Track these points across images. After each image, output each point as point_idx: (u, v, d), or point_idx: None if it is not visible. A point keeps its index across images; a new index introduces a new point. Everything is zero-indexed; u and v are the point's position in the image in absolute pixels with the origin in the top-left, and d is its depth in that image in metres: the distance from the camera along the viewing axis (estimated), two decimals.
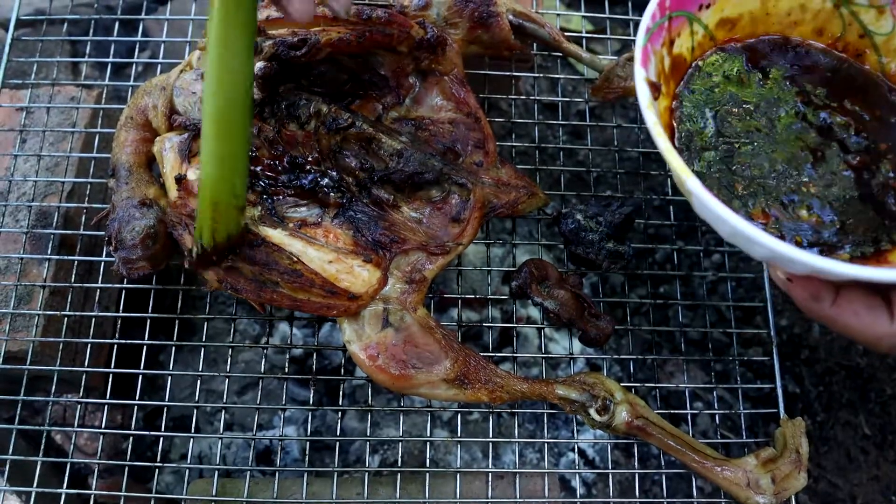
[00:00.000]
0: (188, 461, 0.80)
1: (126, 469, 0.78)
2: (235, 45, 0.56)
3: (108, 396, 0.80)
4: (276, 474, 0.78)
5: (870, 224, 0.61)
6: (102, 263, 0.85)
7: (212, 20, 0.55)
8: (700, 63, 0.68)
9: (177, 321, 0.82)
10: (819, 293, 0.56)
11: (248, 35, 0.57)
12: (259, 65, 0.71)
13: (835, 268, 0.50)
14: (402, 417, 0.80)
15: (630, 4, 0.99)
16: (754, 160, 0.64)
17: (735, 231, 0.52)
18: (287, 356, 0.82)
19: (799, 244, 0.59)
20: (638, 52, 0.60)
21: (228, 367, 0.81)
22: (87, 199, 0.87)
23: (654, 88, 0.60)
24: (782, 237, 0.60)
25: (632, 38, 0.96)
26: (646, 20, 0.61)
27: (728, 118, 0.66)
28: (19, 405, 0.80)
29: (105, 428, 0.79)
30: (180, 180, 0.71)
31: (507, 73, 0.93)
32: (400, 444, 0.82)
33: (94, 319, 0.83)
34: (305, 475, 0.79)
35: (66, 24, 0.97)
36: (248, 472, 0.79)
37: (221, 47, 0.56)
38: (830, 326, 0.58)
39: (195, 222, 0.65)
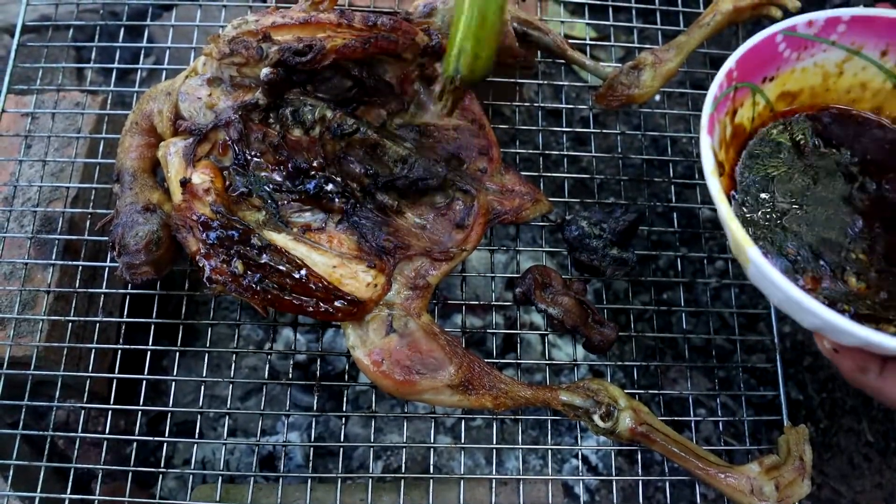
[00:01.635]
0: (192, 467, 0.80)
1: (129, 474, 0.78)
2: None
3: (111, 402, 0.80)
4: (280, 480, 0.77)
5: None
6: (107, 269, 0.85)
7: None
8: (763, 130, 0.69)
9: (181, 326, 0.82)
10: (866, 365, 0.56)
11: None
12: (264, 71, 0.71)
13: (886, 342, 0.51)
14: (405, 423, 0.80)
15: (633, 12, 1.00)
16: (807, 227, 0.65)
17: (789, 299, 0.53)
18: (291, 362, 0.82)
19: (846, 313, 0.60)
20: (705, 120, 0.60)
21: (232, 372, 0.81)
22: (91, 204, 0.88)
23: (716, 156, 0.61)
24: (831, 305, 0.60)
25: (635, 45, 0.97)
26: (713, 90, 0.62)
27: (785, 185, 0.67)
28: (23, 410, 0.80)
29: (109, 433, 0.79)
30: (185, 184, 0.71)
31: (511, 80, 0.93)
32: (403, 450, 0.82)
33: (98, 325, 0.83)
34: (309, 481, 0.79)
35: (71, 30, 0.98)
36: (252, 478, 0.79)
37: None
38: (876, 397, 0.58)
39: (444, 56, 0.68)
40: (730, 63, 0.63)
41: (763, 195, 0.66)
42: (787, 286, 0.53)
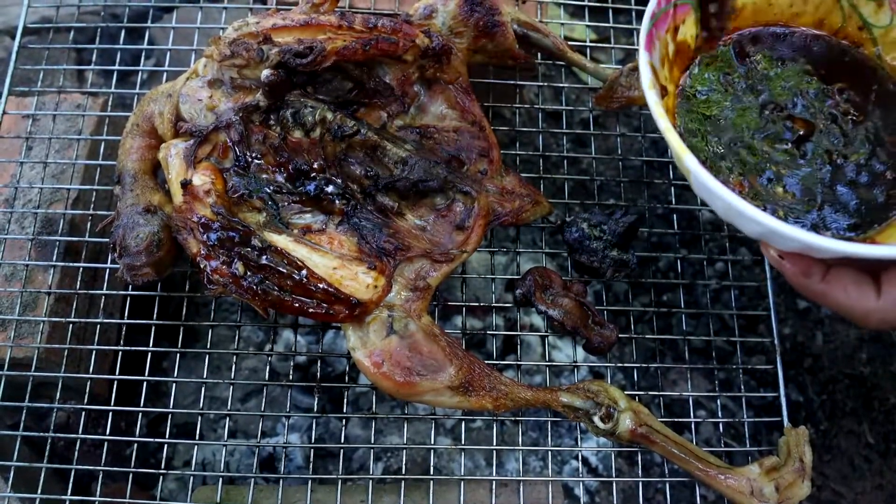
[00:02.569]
0: (192, 468, 0.80)
1: (130, 476, 0.78)
2: None
3: (112, 403, 0.80)
4: (280, 481, 0.78)
5: (852, 207, 0.63)
6: (107, 270, 0.85)
7: None
8: (698, 60, 0.70)
9: (181, 328, 0.82)
10: (810, 269, 0.58)
11: None
12: (265, 72, 0.72)
13: (830, 245, 0.52)
14: (405, 425, 0.80)
15: (633, 14, 1.00)
16: (739, 137, 0.66)
17: (730, 207, 0.54)
18: (291, 363, 0.82)
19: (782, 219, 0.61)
20: (643, 36, 0.61)
21: (232, 373, 0.81)
22: (92, 205, 0.88)
23: (655, 72, 0.62)
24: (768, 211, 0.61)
25: (635, 47, 0.96)
26: (651, 5, 0.63)
27: (723, 105, 0.68)
28: (24, 411, 0.80)
29: (109, 434, 0.79)
30: (186, 185, 0.71)
31: (512, 82, 0.93)
32: (404, 451, 0.82)
33: (98, 326, 0.83)
34: (309, 482, 0.79)
35: (72, 32, 0.98)
36: (252, 480, 0.79)
37: None
38: (820, 302, 0.59)
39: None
40: None
41: (701, 110, 0.67)
42: (726, 194, 0.54)
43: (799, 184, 0.64)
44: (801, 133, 0.66)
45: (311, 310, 0.68)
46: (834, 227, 0.62)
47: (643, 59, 0.61)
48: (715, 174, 0.58)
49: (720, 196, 0.54)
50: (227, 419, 0.82)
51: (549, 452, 0.83)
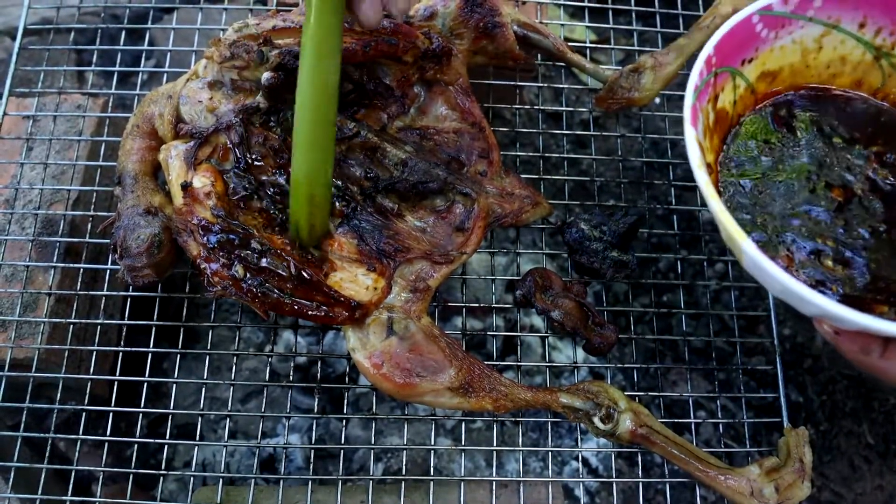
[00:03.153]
0: (192, 469, 0.80)
1: (130, 476, 0.78)
2: (327, 46, 0.65)
3: (112, 404, 0.80)
4: (280, 482, 0.78)
5: None
6: (108, 271, 0.85)
7: (307, 27, 0.64)
8: (738, 128, 0.69)
9: (181, 329, 0.82)
10: (868, 346, 0.56)
11: (338, 36, 0.65)
12: (265, 74, 0.72)
13: (887, 328, 0.51)
14: (405, 426, 0.80)
15: (633, 15, 1.00)
16: (783, 210, 0.65)
17: (787, 290, 0.53)
18: (291, 364, 0.82)
19: (835, 294, 0.60)
20: (687, 112, 0.60)
21: (233, 374, 0.81)
22: (92, 206, 0.88)
23: (702, 148, 0.61)
24: (819, 285, 0.60)
25: (635, 48, 0.97)
26: (693, 79, 0.61)
27: (767, 170, 0.67)
28: (24, 412, 0.80)
29: (109, 435, 0.79)
30: (186, 187, 0.71)
31: (512, 83, 0.93)
32: (404, 452, 0.82)
33: (99, 327, 0.84)
34: (309, 483, 0.79)
35: (72, 33, 0.98)
36: (253, 480, 0.79)
37: (316, 47, 0.64)
38: (881, 377, 0.58)
39: (289, 220, 0.71)
40: (708, 49, 0.63)
41: (744, 181, 0.66)
42: (784, 278, 0.53)
43: (847, 255, 0.62)
44: (841, 201, 0.65)
45: (310, 312, 0.68)
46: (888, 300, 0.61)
47: (690, 136, 0.59)
48: (763, 250, 0.56)
49: (778, 280, 0.53)
50: (228, 420, 0.82)
51: (550, 453, 0.83)
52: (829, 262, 0.62)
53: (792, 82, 0.71)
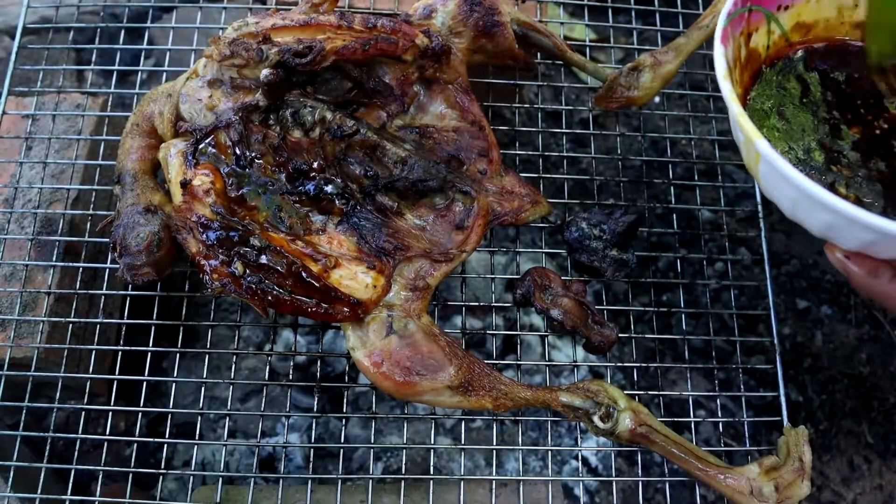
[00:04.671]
0: (192, 468, 0.80)
1: (130, 476, 0.78)
2: None
3: (112, 403, 0.80)
4: (280, 481, 0.78)
5: None
6: (107, 270, 0.85)
7: None
8: (766, 69, 0.70)
9: (181, 328, 0.82)
10: (878, 270, 0.56)
11: None
12: (264, 72, 0.72)
13: None
14: (405, 425, 0.80)
15: (633, 14, 1.00)
16: (803, 141, 0.66)
17: (803, 193, 0.53)
18: (291, 363, 0.82)
19: None
20: (719, 31, 0.62)
21: (232, 373, 0.81)
22: (92, 206, 0.88)
23: (730, 66, 0.62)
24: None
25: (635, 46, 0.97)
26: (727, 5, 0.63)
27: (791, 114, 0.68)
28: (23, 411, 0.80)
29: (109, 434, 0.79)
30: (185, 185, 0.71)
31: (511, 82, 0.93)
32: (403, 451, 0.82)
33: (98, 326, 0.83)
34: (309, 482, 0.79)
35: (71, 33, 0.98)
36: (252, 480, 0.79)
37: None
38: (888, 303, 0.58)
39: (868, 38, 0.66)
40: None
41: (771, 120, 0.67)
42: (800, 179, 0.52)
43: (862, 187, 0.63)
44: (859, 137, 0.66)
45: (310, 309, 0.68)
46: None
47: (719, 52, 0.61)
48: None
49: (794, 181, 0.53)
50: (227, 419, 0.82)
51: (549, 452, 0.83)
52: (843, 190, 0.62)
53: (827, 35, 0.72)
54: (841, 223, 0.53)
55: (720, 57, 0.61)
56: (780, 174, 0.54)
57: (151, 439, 0.82)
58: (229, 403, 0.80)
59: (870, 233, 0.52)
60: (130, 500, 0.77)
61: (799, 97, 0.69)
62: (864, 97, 0.69)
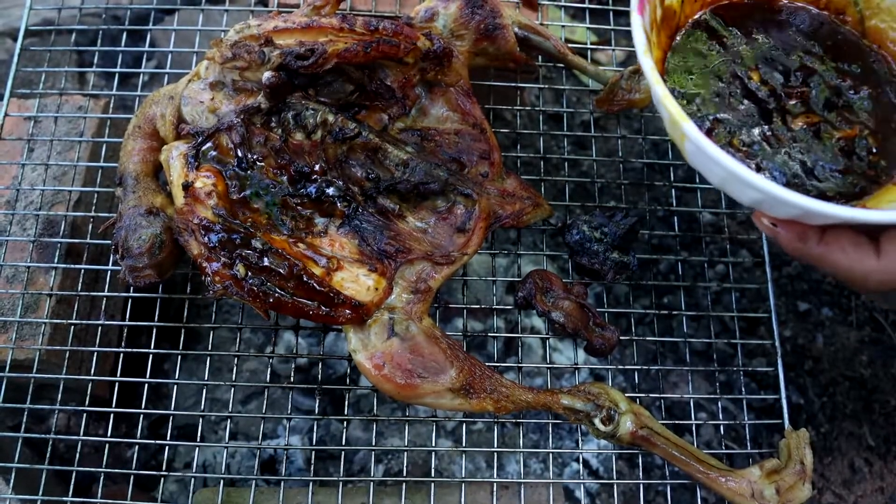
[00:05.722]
0: (193, 470, 0.80)
1: (131, 478, 0.78)
2: None
3: (113, 405, 0.80)
4: (281, 483, 0.78)
5: (841, 172, 0.63)
6: (109, 272, 0.85)
7: None
8: (683, 30, 0.70)
9: (182, 330, 0.82)
10: (805, 234, 0.58)
11: None
12: (266, 74, 0.72)
13: (831, 210, 0.52)
14: (406, 427, 0.80)
15: None
16: (725, 107, 0.66)
17: (728, 174, 0.54)
18: (292, 365, 0.82)
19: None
20: (635, 1, 0.61)
21: (233, 375, 0.81)
22: (93, 207, 0.88)
23: (648, 38, 0.62)
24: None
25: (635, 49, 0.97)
26: None
27: (709, 72, 0.68)
28: (25, 413, 0.80)
29: (110, 436, 0.79)
30: (187, 187, 0.71)
31: (513, 84, 0.93)
32: (404, 453, 0.82)
33: (99, 328, 0.84)
34: (310, 485, 0.79)
35: (73, 35, 0.98)
36: (253, 482, 0.79)
37: None
38: (818, 265, 0.59)
39: None
40: None
41: (690, 77, 0.67)
42: (725, 159, 0.53)
43: (785, 155, 0.64)
44: (787, 105, 0.66)
45: (311, 312, 0.68)
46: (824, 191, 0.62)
47: (636, 23, 0.60)
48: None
49: (720, 162, 0.53)
50: (228, 421, 0.82)
51: (550, 455, 0.83)
52: (762, 151, 0.64)
53: None
54: (769, 200, 0.54)
55: (639, 29, 0.60)
56: (707, 156, 0.54)
57: (153, 441, 0.82)
58: (230, 405, 0.81)
59: (797, 209, 0.53)
60: (132, 502, 0.77)
61: (716, 58, 0.68)
62: (776, 49, 0.69)
